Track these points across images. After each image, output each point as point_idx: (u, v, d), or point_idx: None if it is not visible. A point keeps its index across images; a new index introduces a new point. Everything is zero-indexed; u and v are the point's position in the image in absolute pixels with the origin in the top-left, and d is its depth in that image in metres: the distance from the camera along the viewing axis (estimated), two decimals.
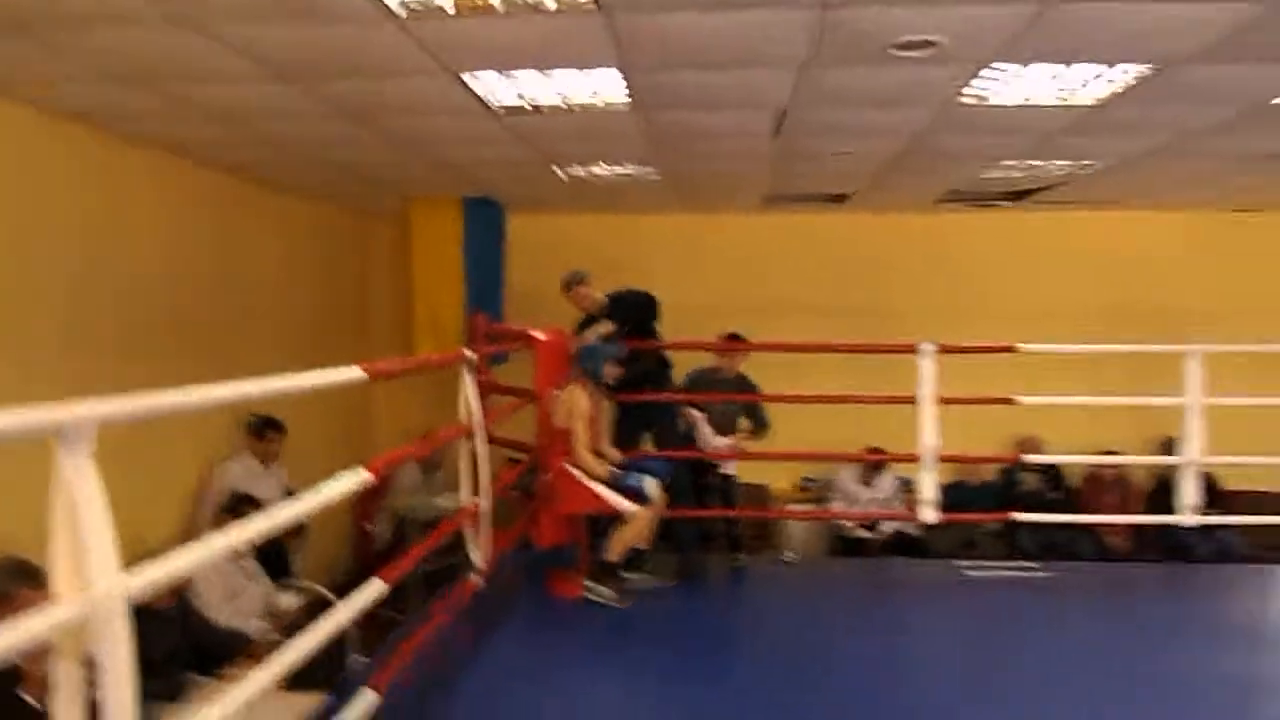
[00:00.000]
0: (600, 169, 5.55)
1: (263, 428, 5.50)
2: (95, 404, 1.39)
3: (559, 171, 5.60)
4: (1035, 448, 6.62)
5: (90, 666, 1.39)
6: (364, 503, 7.13)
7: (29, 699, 2.86)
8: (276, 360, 2.11)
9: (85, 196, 4.34)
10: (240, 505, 4.71)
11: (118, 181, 4.59)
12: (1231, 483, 6.88)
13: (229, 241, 5.63)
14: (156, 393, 1.60)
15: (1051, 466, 6.89)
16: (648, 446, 4.92)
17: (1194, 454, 4.71)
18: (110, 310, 4.54)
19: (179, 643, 3.90)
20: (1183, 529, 6.19)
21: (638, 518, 4.17)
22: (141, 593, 1.47)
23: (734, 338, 5.31)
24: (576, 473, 4.23)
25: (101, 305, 4.48)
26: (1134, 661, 3.67)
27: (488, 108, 4.02)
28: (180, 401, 1.62)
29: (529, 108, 4.04)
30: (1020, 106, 4.01)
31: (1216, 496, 6.63)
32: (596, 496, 4.20)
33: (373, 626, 4.38)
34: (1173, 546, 6.59)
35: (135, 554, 1.57)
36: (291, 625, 3.21)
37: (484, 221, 6.77)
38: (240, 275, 5.77)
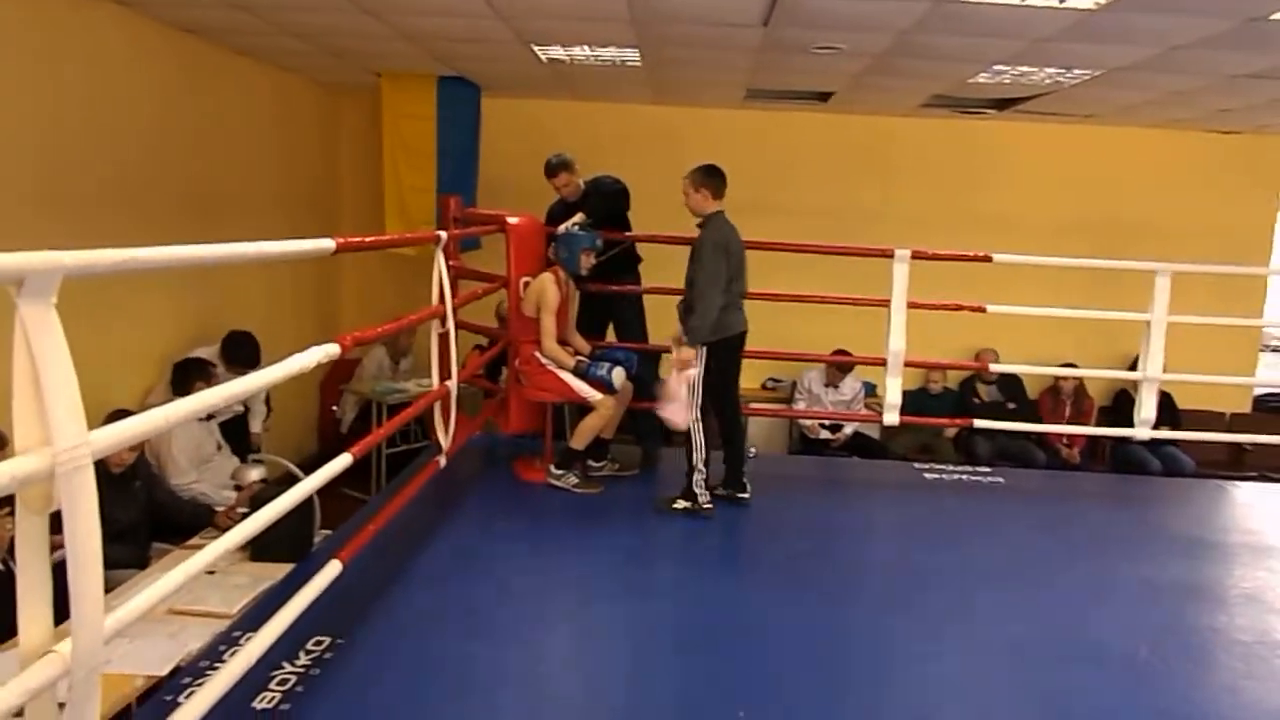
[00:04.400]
0: (581, 51, 5.38)
1: (235, 351, 5.13)
2: (57, 254, 1.34)
3: (538, 52, 5.42)
4: (996, 360, 6.70)
5: (56, 526, 1.38)
6: (330, 386, 7.13)
7: None
8: (244, 237, 2.04)
9: (49, 55, 4.14)
10: (189, 368, 4.67)
11: (82, 39, 4.38)
12: (1186, 401, 7.06)
13: (196, 106, 5.41)
14: (123, 249, 1.55)
15: (1010, 378, 7.01)
16: (613, 337, 4.93)
17: (1154, 370, 4.80)
18: (77, 172, 4.39)
19: (144, 511, 3.93)
20: (1134, 443, 6.40)
21: (603, 407, 4.19)
22: (107, 449, 1.45)
23: None
24: (544, 361, 4.23)
25: (69, 167, 4.34)
26: (1078, 565, 3.80)
27: None
28: (145, 258, 1.57)
29: None
30: (1015, 6, 3.91)
31: (1170, 414, 6.81)
32: (563, 385, 4.21)
33: (340, 505, 4.45)
34: (1124, 460, 6.80)
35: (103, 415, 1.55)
36: (257, 498, 3.21)
37: (459, 102, 6.57)
38: (208, 143, 5.57)
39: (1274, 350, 8.89)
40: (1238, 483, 5.49)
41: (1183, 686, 2.81)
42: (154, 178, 5.02)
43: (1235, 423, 7.40)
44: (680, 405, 4.03)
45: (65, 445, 1.31)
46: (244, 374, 5.24)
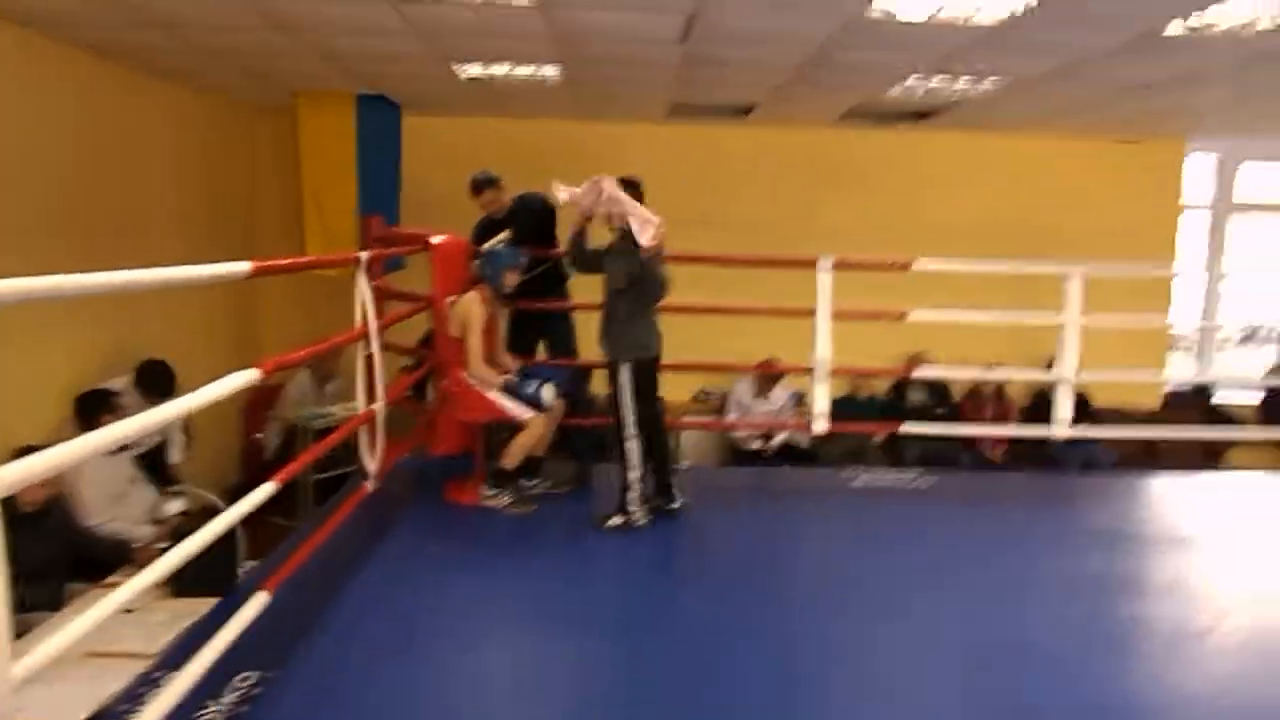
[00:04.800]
0: (501, 69, 5.36)
1: (151, 381, 4.94)
2: None
3: (457, 70, 5.39)
4: (925, 364, 6.84)
5: None
6: (253, 412, 6.95)
7: None
8: (157, 264, 1.98)
9: None
10: (93, 401, 4.51)
11: None
12: (1100, 399, 7.30)
13: (109, 130, 5.26)
14: (20, 279, 1.49)
15: (938, 384, 7.16)
16: (543, 355, 4.91)
17: (1069, 371, 4.95)
18: None
19: (58, 550, 3.77)
20: (1054, 441, 6.59)
21: (534, 425, 4.16)
22: (8, 489, 1.39)
23: None
24: (473, 381, 4.18)
25: None
26: (1003, 562, 3.89)
27: None
28: (35, 288, 1.51)
29: None
30: (924, 24, 4.02)
31: (1087, 412, 7.03)
32: (493, 404, 4.17)
33: (265, 534, 4.33)
34: (1045, 458, 6.99)
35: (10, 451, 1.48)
36: (178, 532, 3.11)
37: (378, 121, 6.49)
38: (122, 167, 5.41)
39: (1180, 348, 9.24)
40: (1152, 476, 5.69)
41: (1105, 677, 2.88)
42: (67, 203, 4.86)
43: (1148, 419, 7.67)
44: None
45: None
46: (159, 404, 5.16)
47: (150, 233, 5.68)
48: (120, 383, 4.94)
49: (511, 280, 4.26)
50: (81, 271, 1.69)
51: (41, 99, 4.68)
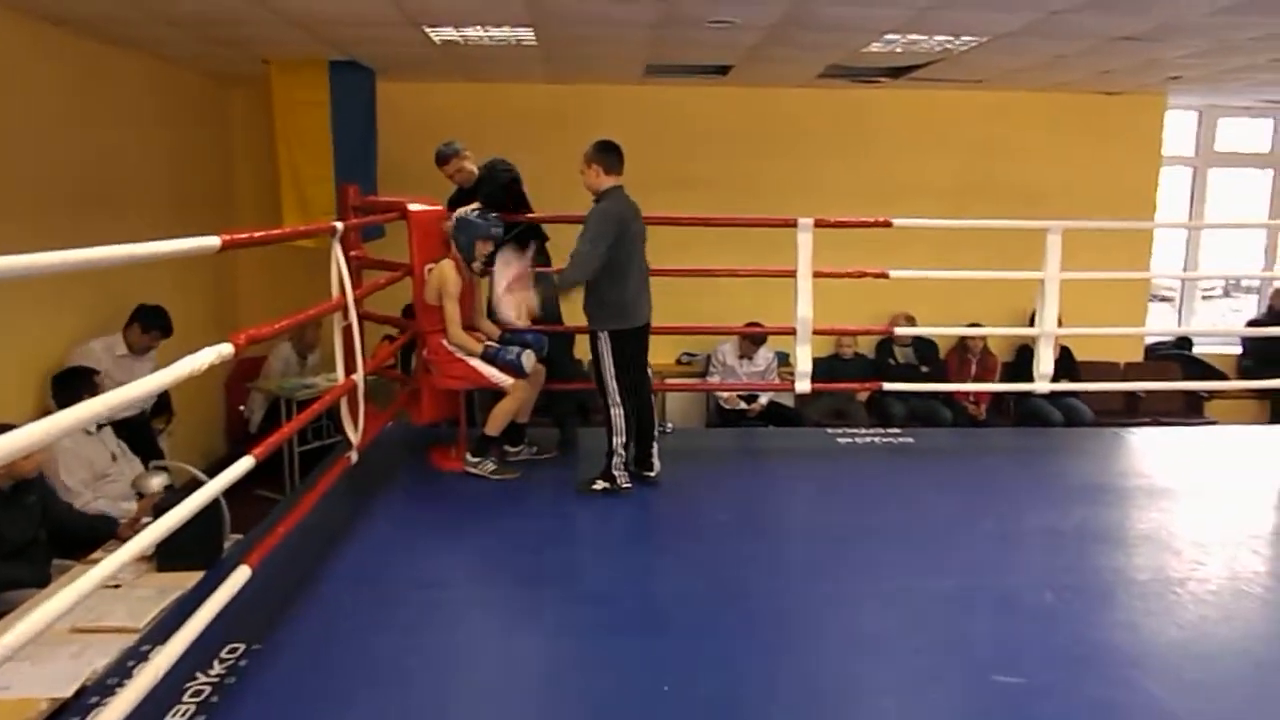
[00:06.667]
0: (474, 31, 5.28)
1: (151, 318, 5.24)
2: None
3: (430, 34, 5.31)
4: (911, 323, 6.86)
5: None
6: (236, 385, 6.92)
7: None
8: (131, 239, 1.96)
9: None
10: (71, 379, 4.49)
11: None
12: (1082, 354, 7.35)
13: (78, 103, 5.18)
14: None
15: (924, 341, 7.18)
16: None
17: (1050, 326, 4.97)
18: None
19: (42, 527, 3.76)
20: (1036, 397, 6.65)
21: (516, 390, 4.16)
22: None
23: None
24: (452, 348, 4.17)
25: None
26: (986, 516, 3.93)
27: None
28: (9, 266, 1.48)
29: None
30: None
31: (1069, 367, 7.09)
32: (474, 371, 4.16)
33: (251, 507, 4.32)
34: (1027, 413, 7.05)
35: None
36: (162, 507, 3.10)
37: (352, 87, 6.39)
38: (92, 140, 5.33)
39: (1163, 300, 9.30)
40: (1133, 429, 5.75)
41: (1085, 627, 2.93)
42: (36, 177, 4.79)
43: (1129, 371, 7.73)
44: (506, 306, 4.20)
45: None
46: (160, 340, 5.20)
47: (122, 207, 5.61)
48: (104, 342, 5.00)
49: (482, 250, 4.22)
50: (51, 249, 1.66)
51: (3, 73, 4.58)
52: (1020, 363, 7.26)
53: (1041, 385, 5.10)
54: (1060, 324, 5.18)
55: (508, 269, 4.24)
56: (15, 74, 4.63)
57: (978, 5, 4.50)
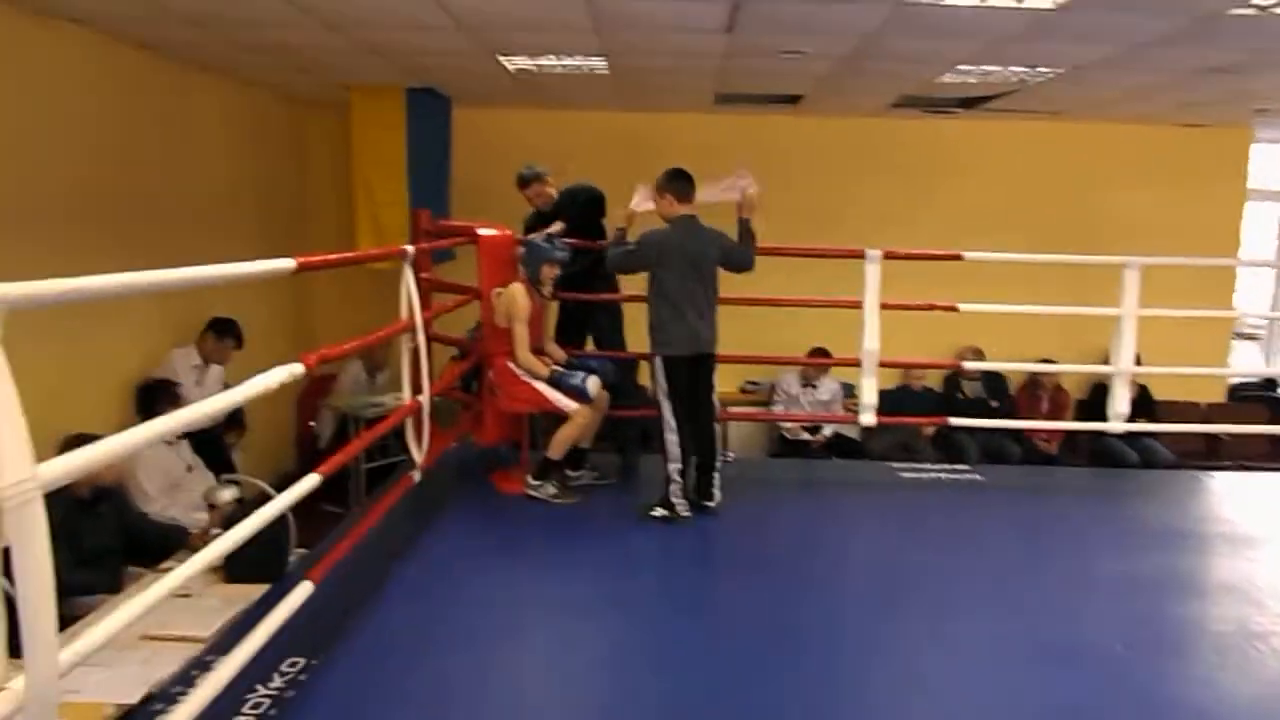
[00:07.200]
0: (547, 60, 5.38)
1: (225, 327, 5.44)
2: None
3: (504, 63, 5.41)
4: (978, 356, 6.73)
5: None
6: (307, 402, 7.09)
7: None
8: (211, 259, 2.04)
9: (10, 75, 4.11)
10: (155, 391, 4.65)
11: (43, 58, 4.35)
12: (1161, 393, 7.11)
13: (161, 124, 5.39)
14: (70, 279, 1.54)
15: (994, 375, 7.04)
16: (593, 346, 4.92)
17: (1126, 364, 4.83)
18: (43, 193, 4.38)
19: (116, 536, 3.88)
20: (1112, 436, 6.45)
21: (579, 416, 4.18)
22: (58, 480, 1.44)
23: None
24: (518, 371, 4.21)
25: (34, 187, 4.32)
26: (1055, 559, 3.82)
27: None
28: (92, 287, 1.55)
29: None
30: (974, 7, 3.94)
31: (1147, 407, 6.87)
32: (538, 395, 4.20)
33: (317, 522, 4.41)
34: (1101, 453, 6.84)
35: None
36: (231, 519, 3.18)
37: (428, 114, 6.55)
38: (174, 161, 5.54)
39: (1246, 338, 8.96)
40: (1214, 473, 5.53)
41: (1157, 681, 2.82)
42: (121, 197, 4.98)
43: (1211, 413, 7.46)
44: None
45: (9, 481, 1.29)
46: (233, 349, 5.39)
47: (204, 227, 5.81)
48: (179, 352, 5.25)
49: (549, 274, 4.27)
50: (137, 266, 1.74)
51: (94, 96, 4.80)
52: (1095, 401, 7.02)
53: (1116, 425, 4.95)
54: (1138, 362, 5.03)
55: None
56: (101, 93, 4.85)
57: (1054, 37, 4.42)
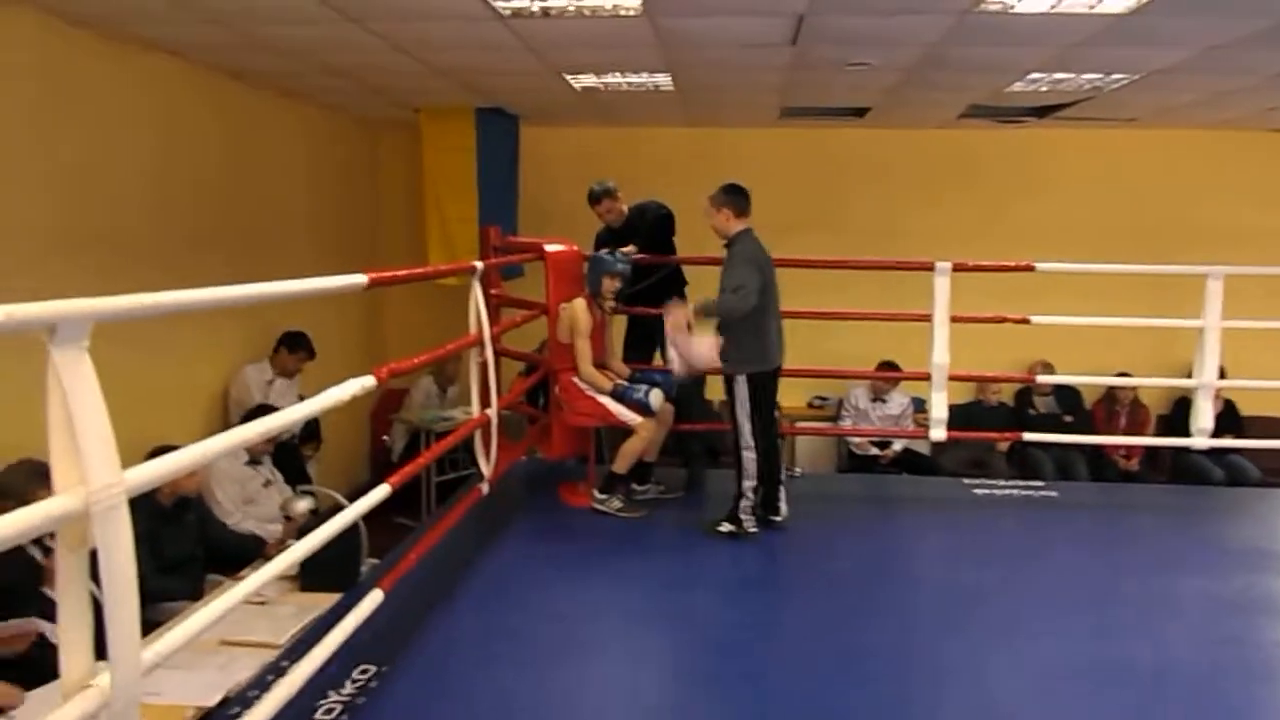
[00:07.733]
0: (613, 78, 5.44)
1: (296, 341, 5.60)
2: (88, 301, 1.39)
3: (570, 81, 5.49)
4: (1050, 370, 6.57)
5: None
6: (380, 415, 7.24)
7: (50, 594, 2.96)
8: (288, 274, 2.12)
9: (88, 101, 4.30)
10: (253, 417, 4.79)
11: (122, 85, 4.54)
12: (1248, 408, 6.85)
13: (234, 149, 5.59)
14: (152, 294, 1.61)
15: (1068, 389, 6.86)
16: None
17: (1209, 377, 4.67)
18: (134, 213, 4.61)
19: (198, 543, 4.02)
20: (1196, 453, 6.22)
21: (643, 430, 4.20)
22: (143, 485, 1.50)
23: None
24: (583, 386, 4.25)
25: (127, 209, 4.56)
26: (1135, 579, 3.70)
27: (493, 10, 3.91)
28: (173, 302, 1.62)
29: (537, 11, 3.94)
30: (1044, 14, 3.87)
31: (1233, 422, 6.61)
32: (602, 408, 4.23)
33: (389, 533, 4.50)
34: (1185, 470, 6.60)
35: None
36: (305, 529, 3.27)
37: (497, 132, 6.67)
38: (254, 182, 5.76)
39: None
40: None
41: (1243, 704, 2.71)
42: (204, 217, 5.20)
43: None
44: (677, 357, 4.11)
45: (98, 485, 1.35)
46: (305, 360, 5.58)
47: (286, 244, 6.03)
48: (253, 368, 5.46)
49: (609, 286, 4.30)
50: (217, 282, 1.81)
51: (188, 122, 5.02)
52: (1177, 416, 6.81)
53: (1199, 440, 4.78)
54: (1222, 375, 4.86)
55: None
56: (187, 120, 5.07)
57: (1127, 41, 4.32)
